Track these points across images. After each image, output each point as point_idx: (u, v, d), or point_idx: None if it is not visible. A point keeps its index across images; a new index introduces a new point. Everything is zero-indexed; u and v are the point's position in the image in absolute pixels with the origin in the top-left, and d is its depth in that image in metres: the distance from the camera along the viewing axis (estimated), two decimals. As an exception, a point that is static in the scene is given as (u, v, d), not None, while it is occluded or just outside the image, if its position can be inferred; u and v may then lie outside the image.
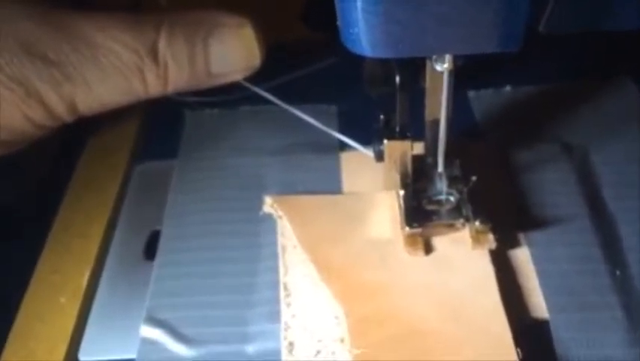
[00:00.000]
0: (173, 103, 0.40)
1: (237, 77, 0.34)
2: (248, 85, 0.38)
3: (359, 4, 0.21)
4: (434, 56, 0.25)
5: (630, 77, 0.39)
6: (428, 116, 0.29)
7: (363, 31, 0.22)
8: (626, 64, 0.39)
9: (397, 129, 0.30)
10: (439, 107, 0.27)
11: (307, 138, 0.37)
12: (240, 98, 0.39)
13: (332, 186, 0.34)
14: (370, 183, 0.33)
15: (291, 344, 0.26)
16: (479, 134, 0.37)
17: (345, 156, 0.35)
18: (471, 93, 0.39)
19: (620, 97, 0.38)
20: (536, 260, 0.29)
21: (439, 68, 0.25)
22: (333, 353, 0.26)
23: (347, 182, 0.34)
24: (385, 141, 0.30)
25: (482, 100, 0.39)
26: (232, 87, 0.37)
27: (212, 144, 0.38)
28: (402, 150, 0.29)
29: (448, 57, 0.25)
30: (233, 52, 0.33)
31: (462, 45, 0.22)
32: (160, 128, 0.40)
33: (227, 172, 0.36)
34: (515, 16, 0.21)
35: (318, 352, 0.26)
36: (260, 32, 0.33)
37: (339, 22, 0.23)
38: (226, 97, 0.39)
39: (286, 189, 0.34)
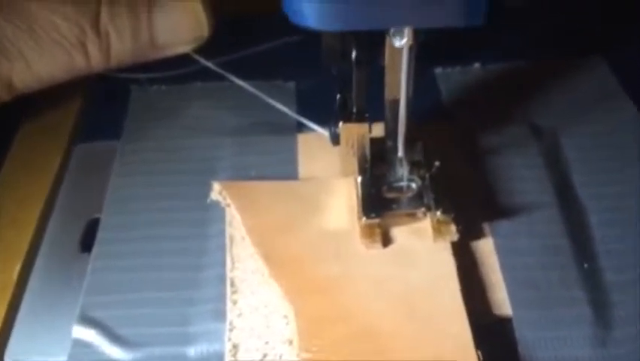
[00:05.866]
0: (119, 79, 0.37)
1: (185, 48, 0.32)
2: (200, 59, 0.35)
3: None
4: (392, 31, 0.23)
5: (602, 56, 0.37)
6: (388, 95, 0.27)
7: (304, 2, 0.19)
8: (599, 42, 0.38)
9: (354, 110, 0.27)
10: (398, 86, 0.25)
11: (262, 117, 0.35)
12: (190, 74, 0.37)
13: (287, 169, 0.32)
14: (328, 166, 0.31)
15: (235, 346, 0.24)
16: (445, 115, 0.35)
17: (302, 138, 0.33)
18: (438, 70, 0.37)
19: (591, 77, 0.36)
20: (501, 252, 0.27)
21: (397, 43, 0.23)
22: (281, 356, 0.24)
23: (303, 165, 0.32)
24: (341, 123, 0.27)
25: (449, 78, 0.37)
26: (182, 61, 0.34)
27: (160, 123, 0.35)
28: (359, 132, 0.27)
29: (407, 32, 0.23)
30: (179, 22, 0.31)
31: (419, 17, 0.20)
32: (104, 106, 0.37)
33: (174, 155, 0.33)
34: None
35: (265, 355, 0.24)
36: (209, 2, 0.31)
37: None
38: (175, 72, 0.37)
39: (238, 173, 0.31)
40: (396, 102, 0.27)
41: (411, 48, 0.23)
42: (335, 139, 0.28)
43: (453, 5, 0.20)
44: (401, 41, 0.23)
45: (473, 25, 0.23)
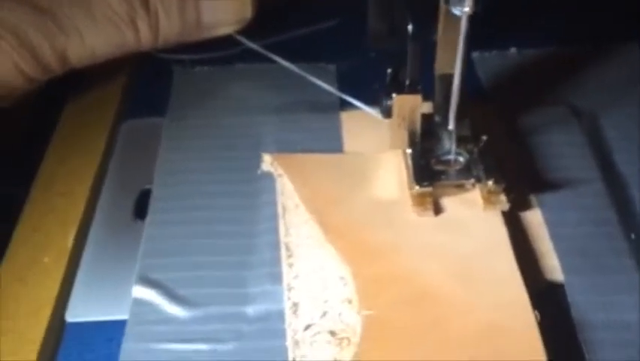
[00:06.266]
0: (163, 60, 0.38)
1: (228, 29, 0.33)
2: (244, 40, 0.36)
3: None
4: (452, -1, 0.24)
5: (637, 43, 0.38)
6: (438, 69, 0.27)
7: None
8: (634, 29, 0.38)
9: (407, 83, 0.28)
10: (452, 58, 0.26)
11: (305, 96, 0.36)
12: (231, 56, 0.37)
13: (332, 146, 0.32)
14: (372, 143, 0.32)
15: (295, 304, 0.25)
16: (484, 97, 0.35)
17: (345, 116, 0.34)
18: (475, 55, 0.38)
19: (627, 63, 0.36)
20: (550, 223, 0.27)
21: (457, 12, 0.24)
22: (340, 314, 0.24)
23: (348, 142, 0.32)
24: (394, 95, 0.28)
25: (486, 62, 0.37)
26: (223, 43, 0.35)
27: (203, 102, 0.36)
28: (412, 104, 0.28)
29: (468, -1, 0.23)
30: (224, 4, 0.32)
31: None
32: (148, 85, 0.38)
33: (220, 131, 0.34)
34: None
35: (325, 313, 0.24)
36: None
37: None
38: (216, 54, 0.38)
39: (284, 148, 0.32)
40: (446, 77, 0.27)
41: (469, 17, 0.24)
42: (386, 112, 0.29)
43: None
44: (462, 9, 0.24)
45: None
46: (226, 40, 0.34)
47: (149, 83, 0.38)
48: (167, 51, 0.38)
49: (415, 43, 0.26)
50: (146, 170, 0.32)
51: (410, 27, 0.26)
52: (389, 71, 0.29)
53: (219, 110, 0.35)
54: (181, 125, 0.34)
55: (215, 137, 0.33)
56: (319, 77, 0.36)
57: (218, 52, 0.38)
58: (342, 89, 0.36)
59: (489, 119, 0.33)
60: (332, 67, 0.38)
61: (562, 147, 0.31)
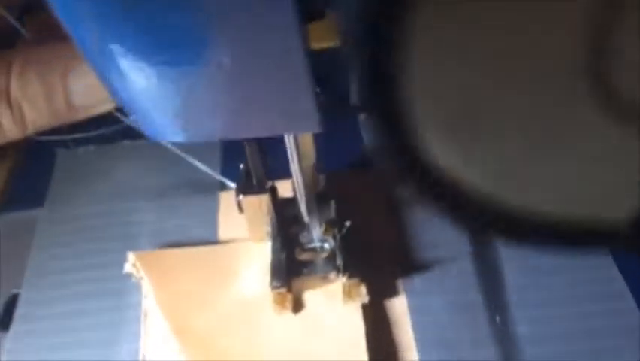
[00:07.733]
0: (46, 142, 0.37)
1: (104, 108, 0.32)
2: (122, 117, 0.35)
3: (126, 91, 0.18)
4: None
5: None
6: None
7: (139, 115, 0.19)
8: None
9: (255, 181, 0.27)
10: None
11: (187, 175, 0.35)
12: (119, 131, 0.36)
13: (207, 233, 0.32)
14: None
15: None
16: (366, 164, 0.35)
17: (224, 197, 0.33)
18: (361, 117, 0.37)
19: None
20: (413, 311, 0.27)
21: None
22: None
23: (223, 227, 0.32)
24: (240, 196, 0.27)
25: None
26: (111, 119, 0.34)
27: (84, 187, 0.35)
28: (257, 204, 0.27)
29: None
30: (96, 82, 0.31)
31: (252, 129, 0.19)
32: (30, 173, 0.37)
33: (95, 221, 0.33)
34: (299, 97, 0.18)
35: None
36: None
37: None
38: (103, 131, 0.37)
39: (159, 237, 0.31)
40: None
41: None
42: (239, 208, 0.28)
43: (280, 116, 0.19)
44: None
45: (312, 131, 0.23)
46: (112, 116, 0.34)
47: (32, 170, 0.37)
48: (48, 133, 0.37)
49: (252, 145, 0.26)
50: (20, 271, 0.31)
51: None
52: (241, 166, 0.28)
53: (98, 197, 0.34)
54: (56, 217, 0.33)
55: (89, 229, 0.32)
56: (202, 151, 0.35)
57: (103, 129, 0.37)
58: (225, 163, 0.35)
59: (365, 190, 0.32)
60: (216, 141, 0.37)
61: (433, 221, 0.30)
